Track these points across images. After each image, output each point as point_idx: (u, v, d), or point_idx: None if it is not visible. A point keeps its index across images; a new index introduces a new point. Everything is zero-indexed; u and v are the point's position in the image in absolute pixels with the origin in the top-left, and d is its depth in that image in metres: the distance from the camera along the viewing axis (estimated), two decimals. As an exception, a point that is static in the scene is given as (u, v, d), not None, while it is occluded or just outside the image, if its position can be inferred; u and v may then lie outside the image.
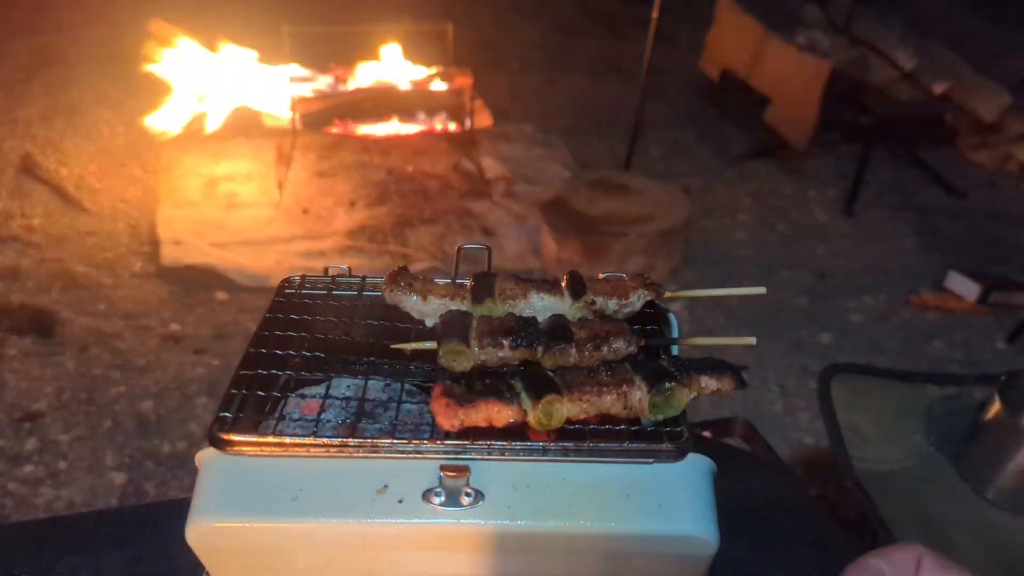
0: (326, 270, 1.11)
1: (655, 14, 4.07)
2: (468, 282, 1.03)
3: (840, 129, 5.08)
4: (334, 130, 4.17)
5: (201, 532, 0.83)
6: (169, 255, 3.76)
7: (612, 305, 1.01)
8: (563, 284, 1.02)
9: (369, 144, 4.48)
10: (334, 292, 1.09)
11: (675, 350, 1.02)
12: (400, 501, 0.84)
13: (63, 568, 1.25)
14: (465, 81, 4.35)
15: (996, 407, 1.52)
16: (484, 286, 1.01)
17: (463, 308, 1.00)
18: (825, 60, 4.29)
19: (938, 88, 4.88)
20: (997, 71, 5.09)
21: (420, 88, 4.30)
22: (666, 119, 5.42)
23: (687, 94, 5.69)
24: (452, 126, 4.28)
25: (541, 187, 4.18)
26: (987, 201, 4.72)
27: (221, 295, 3.58)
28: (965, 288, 3.88)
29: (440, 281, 1.04)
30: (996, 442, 1.55)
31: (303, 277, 1.10)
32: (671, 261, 3.96)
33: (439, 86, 4.32)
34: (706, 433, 1.68)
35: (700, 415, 3.04)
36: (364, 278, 1.10)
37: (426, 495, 0.84)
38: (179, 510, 0.87)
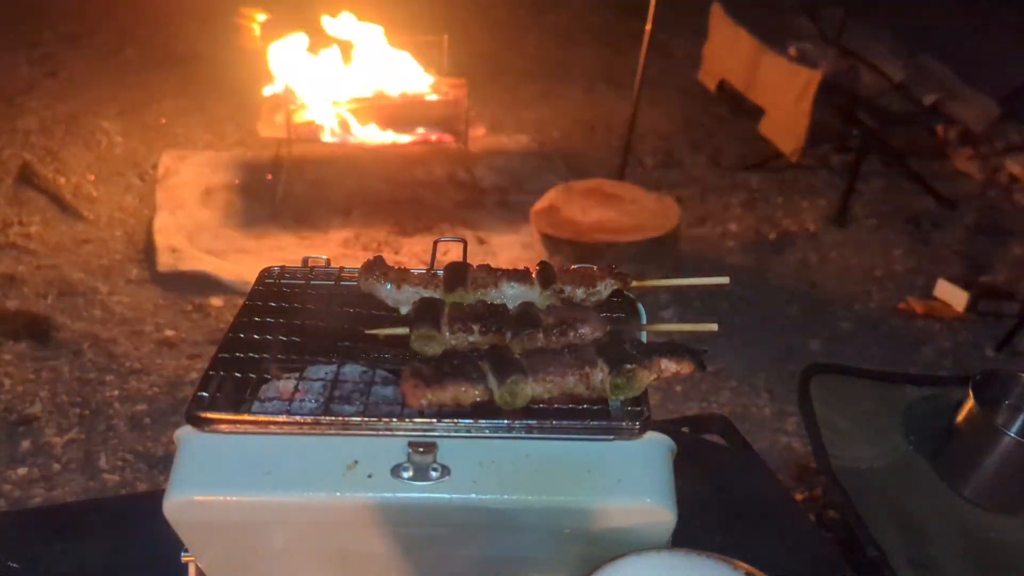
0: (305, 261, 1.14)
1: (648, 26, 4.13)
2: (441, 273, 1.07)
3: (832, 140, 5.12)
4: (330, 139, 4.21)
5: (178, 505, 0.86)
6: (165, 262, 3.79)
7: (580, 294, 1.05)
8: (533, 274, 1.06)
9: (365, 154, 4.53)
10: (312, 281, 1.12)
11: (645, 338, 1.05)
12: (369, 476, 0.87)
13: (47, 556, 1.28)
14: (461, 92, 4.40)
15: (970, 406, 1.54)
16: (456, 275, 1.05)
17: (436, 296, 1.04)
18: (815, 70, 4.34)
19: (928, 99, 4.93)
20: (987, 82, 5.13)
21: (416, 99, 4.35)
22: (660, 130, 5.47)
23: (681, 105, 5.74)
24: (448, 136, 4.33)
25: (535, 196, 4.22)
26: (977, 211, 4.76)
27: (216, 301, 3.61)
28: (954, 296, 3.90)
29: (414, 271, 1.07)
30: (971, 440, 1.56)
31: (283, 267, 1.13)
32: (662, 269, 3.99)
33: (435, 97, 4.37)
34: (685, 429, 1.71)
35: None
36: (341, 269, 1.14)
37: (395, 470, 0.87)
38: (161, 500, 0.89)
